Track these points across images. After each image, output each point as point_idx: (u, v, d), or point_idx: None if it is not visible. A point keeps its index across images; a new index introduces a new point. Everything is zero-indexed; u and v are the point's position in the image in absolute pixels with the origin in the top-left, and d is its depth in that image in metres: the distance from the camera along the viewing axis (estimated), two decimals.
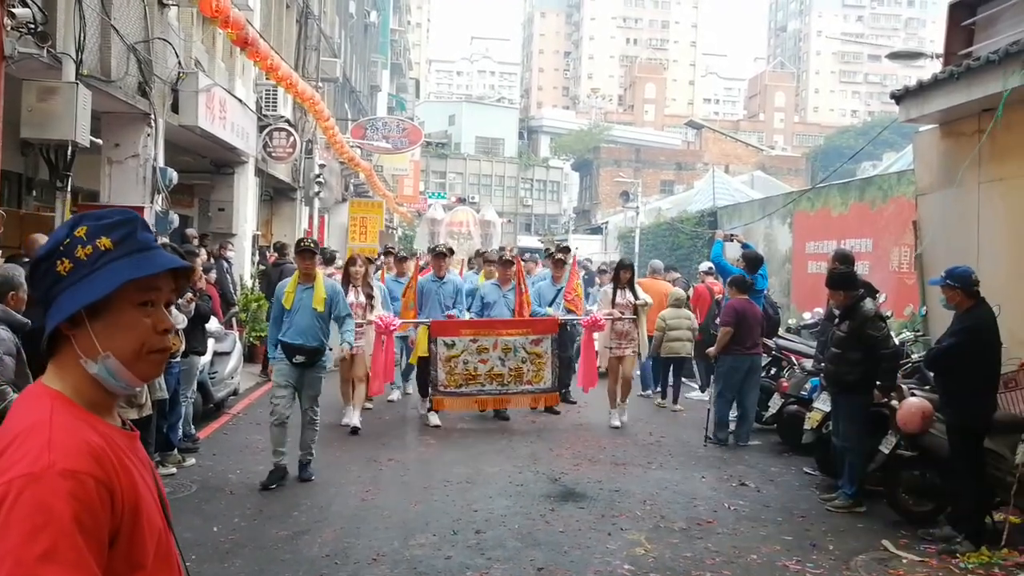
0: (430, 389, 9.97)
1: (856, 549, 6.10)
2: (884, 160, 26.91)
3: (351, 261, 10.07)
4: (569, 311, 10.89)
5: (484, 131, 71.91)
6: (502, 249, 13.51)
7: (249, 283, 14.73)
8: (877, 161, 30.29)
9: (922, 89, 9.19)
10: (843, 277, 7.29)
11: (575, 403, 11.60)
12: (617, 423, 10.19)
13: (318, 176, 20.19)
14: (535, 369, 9.98)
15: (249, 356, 13.53)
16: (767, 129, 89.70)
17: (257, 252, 16.04)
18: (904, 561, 5.87)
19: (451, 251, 11.30)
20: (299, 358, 7.30)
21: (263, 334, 13.43)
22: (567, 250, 13.35)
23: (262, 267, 14.84)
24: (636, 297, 10.34)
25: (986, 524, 6.26)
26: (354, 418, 9.47)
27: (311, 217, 21.52)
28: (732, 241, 11.74)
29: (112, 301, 1.55)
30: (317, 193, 20.84)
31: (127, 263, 1.56)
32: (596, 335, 10.54)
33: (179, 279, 1.67)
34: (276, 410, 7.24)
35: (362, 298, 9.71)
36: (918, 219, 10.37)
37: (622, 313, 10.22)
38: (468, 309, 10.85)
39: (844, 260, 8.65)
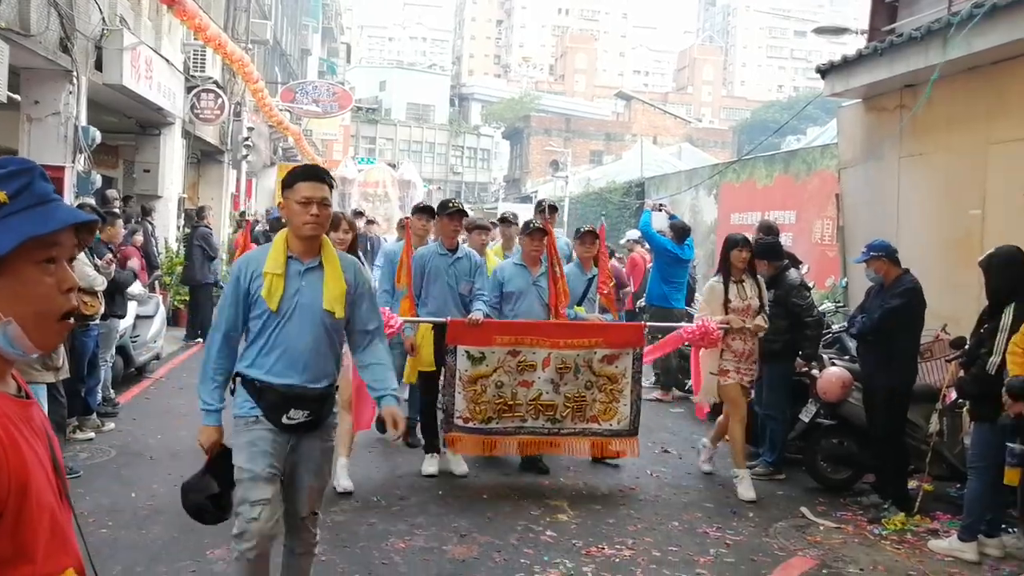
0: (441, 423, 6.76)
1: (775, 516, 6.26)
2: (808, 134, 27.42)
3: (333, 224, 5.46)
4: (604, 310, 7.71)
5: (415, 97, 71.34)
6: (540, 205, 8.98)
7: (174, 246, 14.44)
8: (802, 135, 30.85)
9: (846, 64, 9.37)
10: (768, 247, 7.42)
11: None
12: (751, 494, 6.55)
13: (246, 139, 19.84)
14: (606, 400, 6.64)
15: (173, 320, 13.30)
16: (695, 102, 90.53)
17: (183, 215, 15.71)
18: (821, 528, 6.05)
19: (463, 212, 6.98)
20: (295, 416, 3.63)
21: (186, 297, 13.19)
22: (554, 209, 9.38)
23: (187, 231, 14.52)
24: (762, 294, 6.88)
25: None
26: (341, 477, 6.15)
27: (239, 180, 21.18)
28: (661, 211, 11.84)
29: (10, 260, 1.41)
30: (245, 156, 20.49)
31: (25, 218, 1.43)
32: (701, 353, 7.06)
33: (82, 233, 1.55)
34: (250, 530, 3.57)
35: None
36: (840, 192, 10.61)
37: (743, 321, 6.69)
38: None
39: (769, 231, 8.80)
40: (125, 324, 8.68)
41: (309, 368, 3.65)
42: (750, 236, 7.41)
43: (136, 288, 8.81)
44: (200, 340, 12.54)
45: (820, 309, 8.48)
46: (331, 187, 3.66)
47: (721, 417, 7.12)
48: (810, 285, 8.25)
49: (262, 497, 3.55)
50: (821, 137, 19.30)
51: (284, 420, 3.61)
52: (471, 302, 6.76)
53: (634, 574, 5.06)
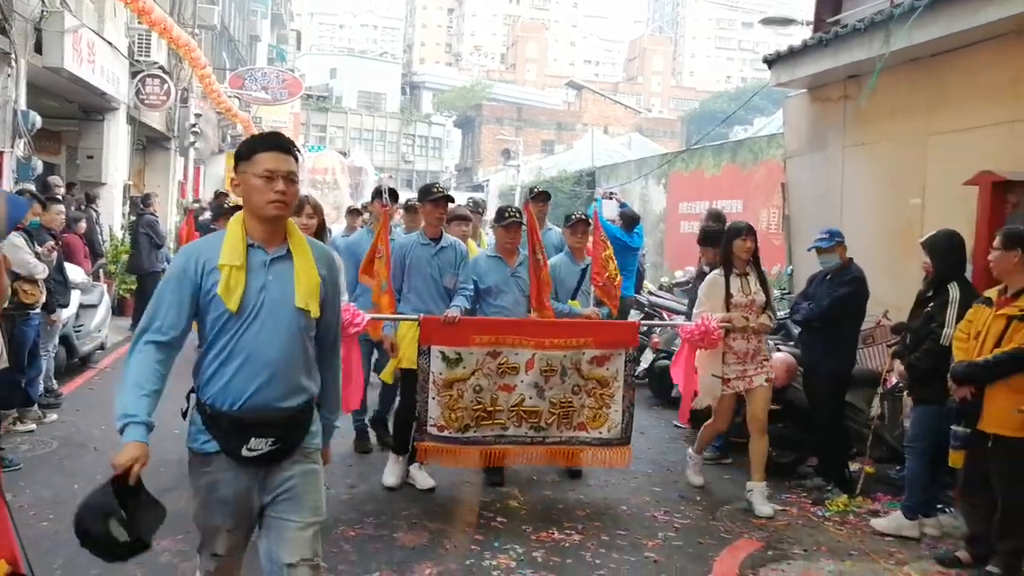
0: (414, 431, 6.02)
1: (722, 500, 6.36)
2: (756, 125, 27.73)
3: (298, 208, 5.29)
4: (600, 304, 6.84)
5: (366, 85, 70.81)
6: (532, 192, 7.98)
7: (120, 234, 14.20)
8: (749, 126, 31.20)
9: (792, 55, 9.49)
10: (715, 234, 7.50)
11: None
12: (768, 509, 6.02)
13: (194, 126, 19.56)
14: (595, 406, 6.06)
15: (119, 309, 13.09)
16: (645, 92, 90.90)
17: (128, 202, 15.46)
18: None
19: (448, 198, 6.46)
20: (257, 446, 3.00)
21: (132, 286, 12.98)
22: (546, 197, 8.40)
23: (133, 218, 14.31)
24: (767, 289, 6.33)
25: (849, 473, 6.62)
26: None
27: (186, 168, 20.87)
28: (611, 199, 11.91)
29: None
30: (192, 143, 20.21)
31: None
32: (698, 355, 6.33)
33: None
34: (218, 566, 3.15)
35: None
36: (786, 181, 10.76)
37: (745, 317, 6.13)
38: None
39: (716, 219, 8.90)
40: (68, 313, 8.52)
41: (276, 382, 2.98)
42: (698, 225, 7.48)
43: (79, 276, 8.65)
44: None
45: None
46: (296, 160, 3.07)
47: (707, 423, 6.56)
48: None
49: (224, 549, 3.09)
50: (768, 127, 19.55)
51: (244, 452, 2.97)
52: (453, 296, 6.22)
53: (583, 558, 5.11)
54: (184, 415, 3.12)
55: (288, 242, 3.09)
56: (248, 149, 3.04)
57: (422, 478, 6.18)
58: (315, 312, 3.07)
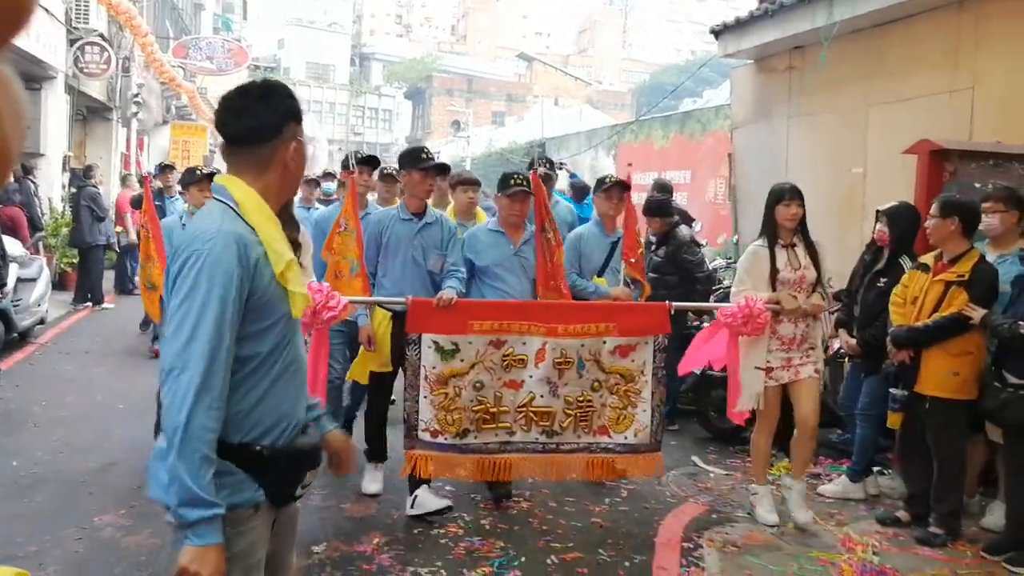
0: (404, 434, 4.97)
1: (668, 465, 6.39)
2: (704, 97, 27.89)
3: None
4: (634, 281, 5.83)
5: (315, 56, 69.86)
6: (543, 159, 7.39)
7: (59, 206, 13.90)
8: (698, 98, 31.35)
9: (738, 25, 9.55)
10: (659, 204, 7.55)
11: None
12: (806, 516, 5.20)
13: (136, 96, 19.18)
14: (619, 405, 5.06)
15: (60, 283, 12.86)
16: (596, 64, 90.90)
17: (69, 174, 15.13)
18: (712, 475, 6.26)
19: (444, 168, 5.99)
20: (309, 479, 2.40)
21: (74, 260, 12.73)
22: (550, 164, 7.54)
23: (73, 190, 14.03)
24: (819, 263, 5.26)
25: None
26: None
27: (129, 139, 20.46)
28: (562, 170, 11.91)
29: None
30: (135, 114, 19.81)
31: None
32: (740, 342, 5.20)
33: None
34: None
35: None
36: (733, 152, 10.84)
37: (794, 296, 5.13)
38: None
39: (662, 189, 8.93)
40: (6, 287, 8.34)
41: (305, 391, 2.43)
42: (646, 195, 7.47)
43: (17, 249, 8.46)
44: (89, 304, 12.14)
45: (712, 265, 8.69)
46: None
47: (753, 435, 5.53)
48: (702, 242, 8.44)
49: None
50: (715, 99, 19.68)
51: (297, 492, 2.35)
52: (443, 281, 5.19)
53: (531, 525, 5.15)
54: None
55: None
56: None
57: (433, 501, 5.10)
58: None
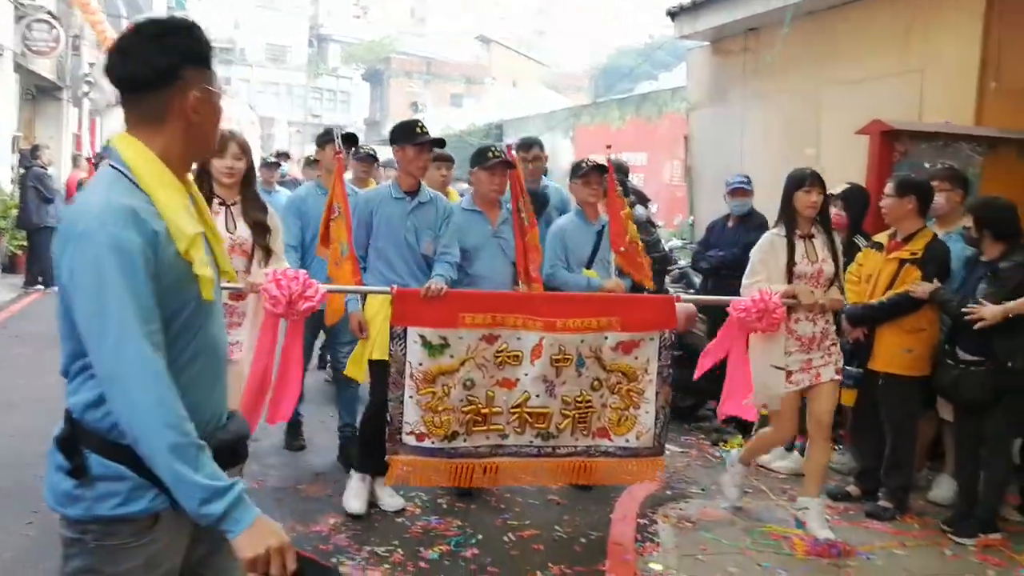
0: (387, 438, 4.53)
1: None
2: (661, 80, 27.99)
3: (220, 147, 4.28)
4: (624, 274, 5.41)
5: (271, 38, 68.96)
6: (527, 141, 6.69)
7: (8, 188, 13.64)
8: (655, 81, 31.46)
9: (694, 7, 9.61)
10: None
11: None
12: (828, 533, 4.67)
13: (87, 75, 18.80)
14: (620, 405, 4.74)
15: (9, 266, 12.66)
16: (554, 47, 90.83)
17: (18, 154, 14.84)
18: (668, 452, 6.29)
19: (440, 142, 5.26)
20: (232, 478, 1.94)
21: (24, 243, 12.52)
22: (531, 146, 6.54)
23: (21, 171, 13.77)
24: (837, 256, 4.92)
25: None
26: None
27: (80, 120, 20.08)
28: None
29: None
30: (87, 94, 19.46)
31: None
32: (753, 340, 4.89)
33: None
34: None
35: (242, 232, 4.44)
36: (689, 134, 10.91)
37: (813, 292, 4.78)
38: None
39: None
40: None
41: (225, 384, 2.12)
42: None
43: None
44: (41, 287, 11.95)
45: (668, 246, 8.76)
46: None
47: (764, 430, 5.25)
48: (658, 224, 8.50)
49: None
50: (672, 82, 19.78)
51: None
52: (433, 264, 4.88)
53: (489, 503, 5.18)
54: (75, 472, 1.89)
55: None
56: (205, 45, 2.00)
57: (389, 498, 4.98)
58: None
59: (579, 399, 4.65)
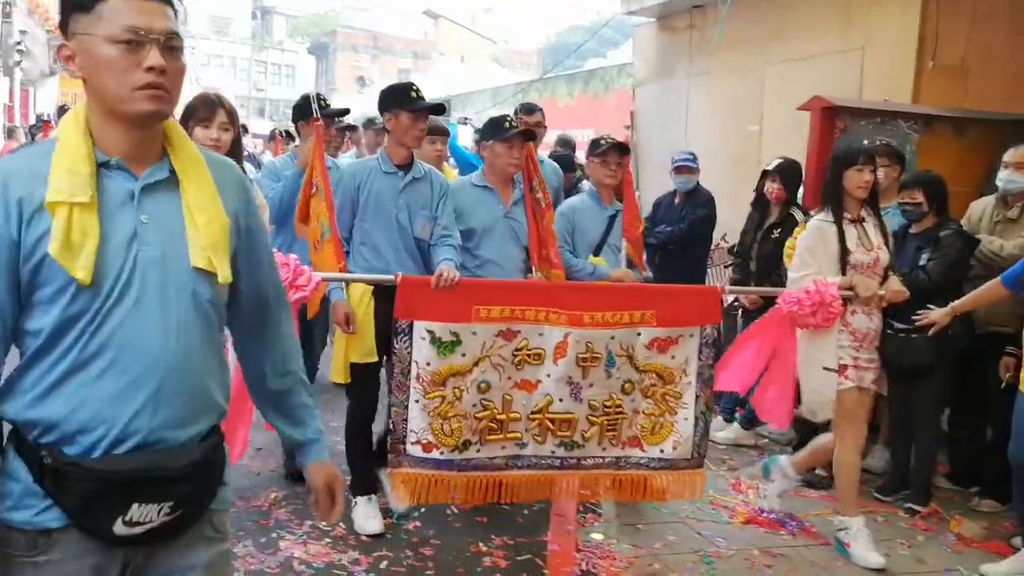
0: (389, 449, 3.96)
1: None
2: (609, 58, 28.06)
3: (191, 111, 3.75)
4: (633, 266, 5.09)
5: (214, 9, 67.65)
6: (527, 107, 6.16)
7: None
8: (603, 59, 31.54)
9: None
10: (560, 159, 7.59)
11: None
12: (880, 560, 4.21)
13: (19, 44, 18.24)
14: (655, 411, 4.14)
15: None
16: (502, 23, 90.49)
17: None
18: None
19: (440, 108, 4.45)
20: (144, 517, 1.66)
21: None
22: (533, 111, 6.10)
23: None
24: (888, 240, 4.49)
25: None
26: None
27: (12, 90, 19.52)
28: (466, 125, 11.86)
29: None
30: (18, 63, 18.87)
31: None
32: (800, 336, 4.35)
33: None
34: None
35: None
36: (634, 110, 10.96)
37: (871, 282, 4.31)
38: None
39: (565, 144, 9.00)
40: None
41: (168, 398, 1.69)
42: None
43: None
44: None
45: None
46: (176, 14, 1.81)
47: (821, 437, 4.68)
48: None
49: None
50: (620, 59, 19.84)
51: (118, 529, 1.65)
52: (433, 251, 4.25)
53: None
54: None
55: (170, 157, 1.77)
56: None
57: (363, 520, 4.32)
58: (224, 274, 1.76)
59: (608, 404, 4.06)
